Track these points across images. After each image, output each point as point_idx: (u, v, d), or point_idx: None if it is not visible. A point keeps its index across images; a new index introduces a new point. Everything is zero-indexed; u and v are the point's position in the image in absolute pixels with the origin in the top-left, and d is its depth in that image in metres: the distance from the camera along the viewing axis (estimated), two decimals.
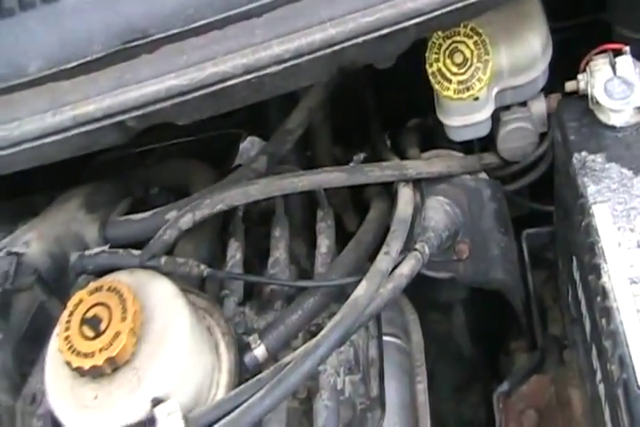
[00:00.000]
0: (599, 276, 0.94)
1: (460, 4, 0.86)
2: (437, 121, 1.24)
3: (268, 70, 0.87)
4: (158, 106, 0.88)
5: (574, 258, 1.06)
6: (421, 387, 1.35)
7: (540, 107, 1.24)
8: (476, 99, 1.15)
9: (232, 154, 1.66)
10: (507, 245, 1.25)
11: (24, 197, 1.33)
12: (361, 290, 1.01)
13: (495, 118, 1.23)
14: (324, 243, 1.21)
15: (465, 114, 1.17)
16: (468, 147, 1.32)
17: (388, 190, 1.28)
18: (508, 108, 1.24)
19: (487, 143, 1.29)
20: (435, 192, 1.22)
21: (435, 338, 1.45)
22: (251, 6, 0.87)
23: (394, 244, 1.08)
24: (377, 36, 0.87)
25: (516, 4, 1.13)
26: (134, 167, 1.38)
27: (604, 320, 0.93)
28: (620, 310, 0.92)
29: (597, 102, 1.03)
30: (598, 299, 0.95)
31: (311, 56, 0.86)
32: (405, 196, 1.17)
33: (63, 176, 1.32)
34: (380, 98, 1.47)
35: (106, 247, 1.15)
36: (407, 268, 1.07)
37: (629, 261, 0.94)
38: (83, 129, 0.91)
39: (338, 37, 0.86)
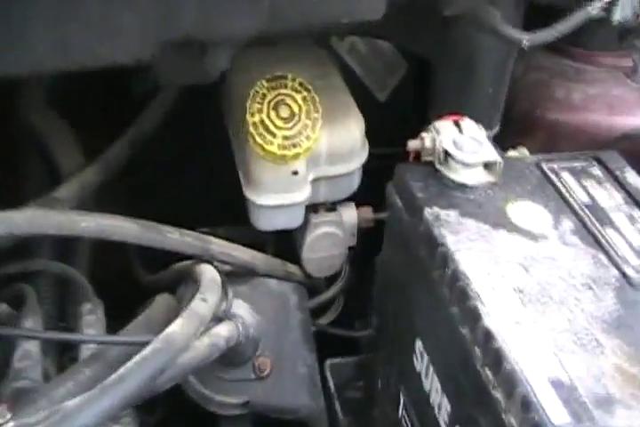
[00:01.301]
0: (479, 318, 0.76)
1: None
2: None
3: None
4: None
5: (417, 339, 0.87)
6: None
7: (350, 215, 1.11)
8: (295, 173, 1.00)
9: None
10: (312, 365, 1.02)
11: None
12: (176, 327, 0.74)
13: (304, 223, 1.08)
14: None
15: (281, 191, 1.01)
16: None
17: None
18: (316, 210, 1.09)
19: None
20: (235, 294, 0.99)
21: None
22: None
23: (210, 294, 0.83)
24: None
25: (331, 91, 1.05)
26: None
27: (490, 369, 0.73)
28: (511, 350, 0.73)
29: (446, 159, 0.92)
30: (477, 348, 0.75)
31: None
32: (210, 270, 0.93)
33: None
34: None
35: None
36: (225, 329, 0.84)
37: (510, 304, 0.77)
38: None
39: None
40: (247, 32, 0.81)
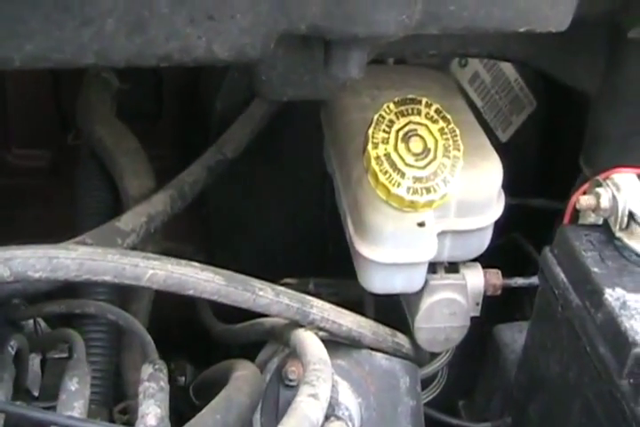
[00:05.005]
0: None
1: None
2: None
3: None
4: None
5: None
6: None
7: (477, 279, 0.90)
8: (422, 225, 0.80)
9: None
10: None
11: None
12: None
13: None
14: (154, 412, 0.72)
15: (403, 246, 0.80)
16: None
17: None
18: (434, 270, 0.89)
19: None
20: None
21: None
22: None
23: (322, 387, 0.63)
24: None
25: (462, 126, 0.84)
26: None
27: None
28: None
29: (629, 224, 0.71)
30: None
31: None
32: (315, 342, 0.73)
33: None
34: None
35: None
36: None
37: None
38: None
39: None
40: (393, 31, 0.62)
